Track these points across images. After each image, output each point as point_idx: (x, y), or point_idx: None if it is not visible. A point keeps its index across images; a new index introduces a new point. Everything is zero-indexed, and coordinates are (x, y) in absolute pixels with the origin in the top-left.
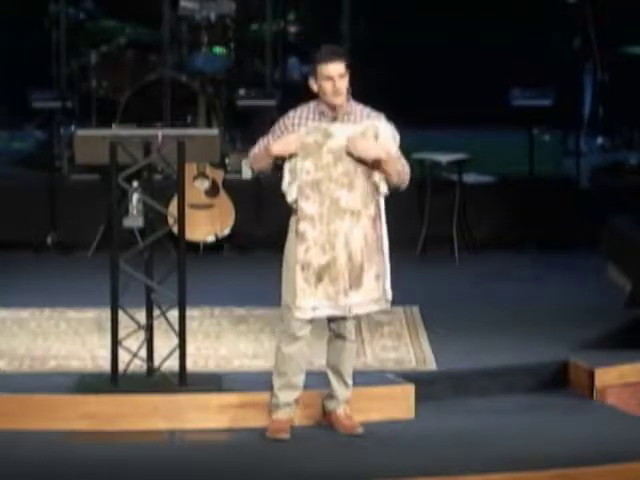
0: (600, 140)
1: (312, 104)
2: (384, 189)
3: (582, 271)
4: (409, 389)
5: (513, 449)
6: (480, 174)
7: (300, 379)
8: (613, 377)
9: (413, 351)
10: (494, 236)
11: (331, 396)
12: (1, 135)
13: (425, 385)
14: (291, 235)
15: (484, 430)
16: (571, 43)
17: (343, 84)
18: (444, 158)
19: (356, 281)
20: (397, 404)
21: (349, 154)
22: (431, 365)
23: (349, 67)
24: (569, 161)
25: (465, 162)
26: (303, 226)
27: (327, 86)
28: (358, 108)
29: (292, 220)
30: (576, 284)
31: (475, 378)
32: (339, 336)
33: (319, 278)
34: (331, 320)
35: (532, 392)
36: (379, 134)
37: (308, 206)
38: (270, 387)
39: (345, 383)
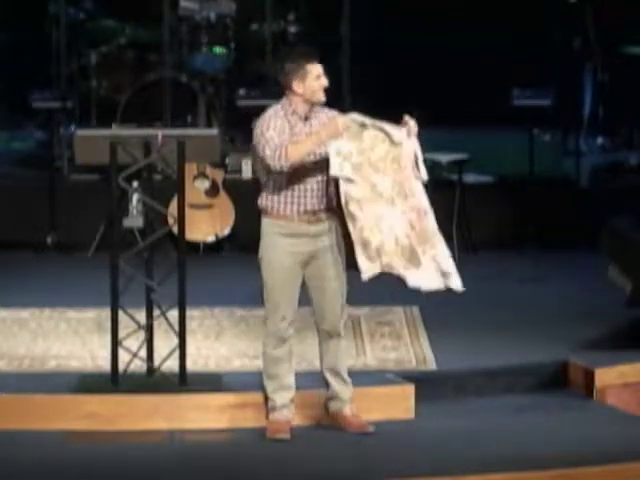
0: (600, 140)
1: (277, 107)
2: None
3: (582, 271)
4: (409, 389)
5: (513, 449)
6: (480, 174)
7: (292, 379)
8: (613, 377)
9: (413, 351)
10: (494, 236)
11: (333, 398)
12: (1, 135)
13: (425, 385)
14: (266, 238)
15: (484, 430)
16: (571, 43)
17: None
18: (444, 158)
19: (412, 262)
20: (397, 404)
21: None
22: (431, 365)
23: None
24: (569, 161)
25: (465, 162)
26: (352, 207)
27: (317, 84)
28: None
29: (265, 222)
30: (576, 284)
31: (475, 378)
32: (332, 336)
33: (378, 254)
34: (321, 322)
35: (532, 392)
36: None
37: (353, 189)
38: (263, 390)
39: (345, 382)
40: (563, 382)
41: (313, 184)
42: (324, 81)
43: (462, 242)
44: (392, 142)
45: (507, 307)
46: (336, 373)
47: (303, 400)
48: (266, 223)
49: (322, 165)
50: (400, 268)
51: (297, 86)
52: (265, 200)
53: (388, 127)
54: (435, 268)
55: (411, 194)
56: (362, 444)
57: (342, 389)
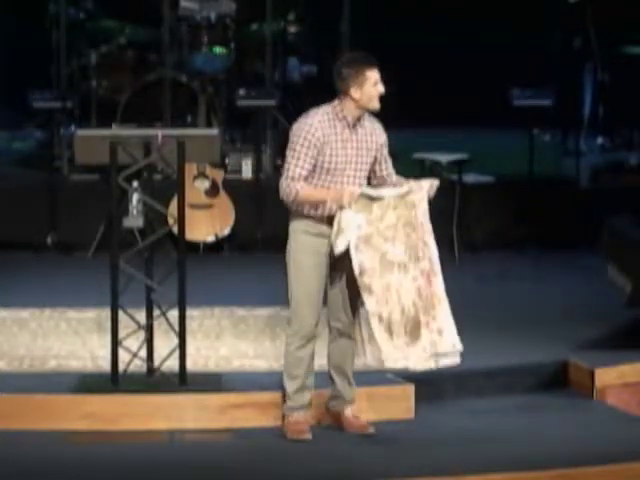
0: (600, 140)
1: (328, 109)
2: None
3: (582, 271)
4: (409, 389)
5: (513, 449)
6: (480, 174)
7: (312, 380)
8: (613, 377)
9: None
10: (494, 236)
11: (336, 397)
12: (1, 135)
13: (425, 385)
14: (294, 238)
15: (484, 430)
16: (571, 43)
17: None
18: (444, 158)
19: (412, 336)
20: (397, 404)
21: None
22: None
23: None
24: (569, 161)
25: (465, 162)
26: (367, 279)
27: (374, 91)
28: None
29: (294, 222)
30: (576, 284)
31: (475, 378)
32: (343, 335)
33: (390, 330)
34: (335, 320)
35: (532, 392)
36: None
37: (365, 260)
38: (281, 390)
39: (349, 382)
40: (563, 382)
41: (343, 186)
42: (381, 88)
43: (462, 242)
44: (405, 205)
45: (507, 307)
46: (342, 372)
47: None
48: (295, 223)
49: (351, 168)
50: (399, 355)
51: (355, 92)
52: None
53: (404, 190)
54: (430, 344)
55: (422, 256)
56: (362, 444)
57: (346, 389)
